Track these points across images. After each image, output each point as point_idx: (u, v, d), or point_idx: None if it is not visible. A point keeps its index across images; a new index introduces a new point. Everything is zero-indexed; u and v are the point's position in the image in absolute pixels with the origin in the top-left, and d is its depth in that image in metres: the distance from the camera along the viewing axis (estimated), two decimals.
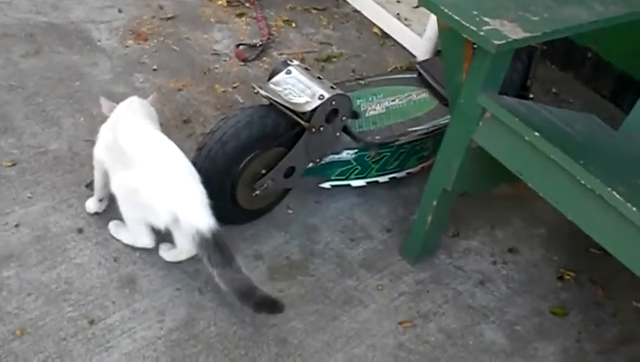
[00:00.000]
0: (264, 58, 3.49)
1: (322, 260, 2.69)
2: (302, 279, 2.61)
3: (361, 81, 3.01)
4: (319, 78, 2.61)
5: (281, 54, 3.53)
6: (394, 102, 2.92)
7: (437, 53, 3.54)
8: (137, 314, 2.39)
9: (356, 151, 2.75)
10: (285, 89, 2.57)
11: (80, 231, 2.59)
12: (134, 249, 2.57)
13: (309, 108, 2.50)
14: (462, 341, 2.54)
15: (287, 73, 2.62)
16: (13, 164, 2.76)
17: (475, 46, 2.23)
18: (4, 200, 2.63)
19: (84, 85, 3.11)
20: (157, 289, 2.48)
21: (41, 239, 2.54)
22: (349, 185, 2.85)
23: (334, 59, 3.59)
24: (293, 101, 2.52)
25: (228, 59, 3.45)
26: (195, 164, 2.51)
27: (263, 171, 2.59)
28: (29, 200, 2.66)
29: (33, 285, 2.40)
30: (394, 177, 2.92)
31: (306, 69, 2.64)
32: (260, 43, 3.52)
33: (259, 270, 2.61)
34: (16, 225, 2.56)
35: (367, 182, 2.87)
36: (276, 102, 2.51)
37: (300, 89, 2.56)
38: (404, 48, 3.74)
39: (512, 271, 2.81)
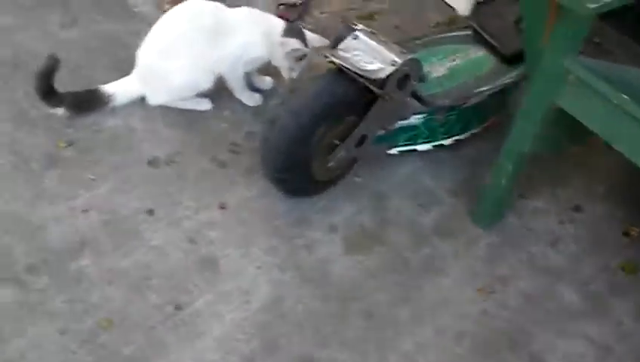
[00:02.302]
0: (306, 18, 3.38)
1: (396, 228, 2.65)
2: (378, 249, 2.57)
3: (417, 42, 2.92)
4: (386, 42, 2.53)
5: (322, 13, 3.42)
6: (454, 62, 2.84)
7: (477, 5, 3.44)
8: (222, 297, 2.35)
9: (424, 115, 2.70)
10: (355, 55, 2.48)
11: (150, 212, 2.53)
12: (208, 228, 2.51)
13: (382, 75, 2.42)
14: (541, 304, 2.53)
15: (353, 38, 2.52)
16: (70, 145, 2.68)
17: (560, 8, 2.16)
18: (68, 183, 2.56)
19: (129, 56, 2.97)
20: (238, 269, 2.43)
21: (111, 223, 2.48)
22: (415, 150, 2.80)
23: (376, 16, 3.48)
24: (366, 68, 2.44)
25: None
26: (267, 136, 2.46)
27: (336, 142, 2.54)
28: (92, 182, 2.58)
29: (113, 273, 2.35)
30: (458, 139, 2.87)
31: (372, 32, 2.56)
32: (301, 1, 3.40)
33: (334, 242, 2.56)
34: (85, 210, 2.49)
35: (433, 146, 2.82)
36: (350, 70, 2.43)
37: (370, 55, 2.47)
38: (444, 1, 3.64)
39: (579, 229, 2.78)
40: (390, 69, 2.43)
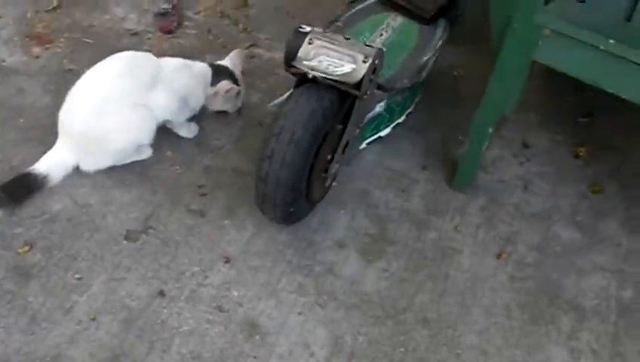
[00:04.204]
0: (185, 23, 3.07)
1: (393, 222, 2.56)
2: (392, 250, 2.48)
3: (338, 24, 2.75)
4: (345, 38, 2.36)
5: (197, 13, 3.12)
6: (383, 37, 2.72)
7: None
8: (286, 358, 2.15)
9: (386, 101, 2.59)
10: (321, 62, 2.29)
11: (161, 293, 2.23)
12: (227, 289, 2.27)
13: (359, 75, 2.26)
14: (550, 250, 2.57)
15: (309, 44, 2.33)
16: (31, 247, 2.27)
17: None
18: (55, 293, 2.18)
19: (30, 119, 2.55)
20: (281, 322, 2.23)
21: (130, 322, 2.16)
22: (379, 137, 2.69)
23: (250, 1, 3.24)
24: (340, 72, 2.27)
25: (151, 36, 2.99)
26: (267, 174, 2.23)
27: (329, 157, 2.37)
28: (80, 282, 2.22)
29: None
30: (409, 113, 2.80)
31: (324, 33, 2.37)
32: (172, 6, 3.07)
33: (351, 258, 2.43)
34: (93, 319, 2.14)
35: (392, 127, 2.73)
36: (327, 79, 2.25)
37: (335, 57, 2.29)
38: None
39: (538, 166, 2.84)
40: (364, 67, 2.27)
